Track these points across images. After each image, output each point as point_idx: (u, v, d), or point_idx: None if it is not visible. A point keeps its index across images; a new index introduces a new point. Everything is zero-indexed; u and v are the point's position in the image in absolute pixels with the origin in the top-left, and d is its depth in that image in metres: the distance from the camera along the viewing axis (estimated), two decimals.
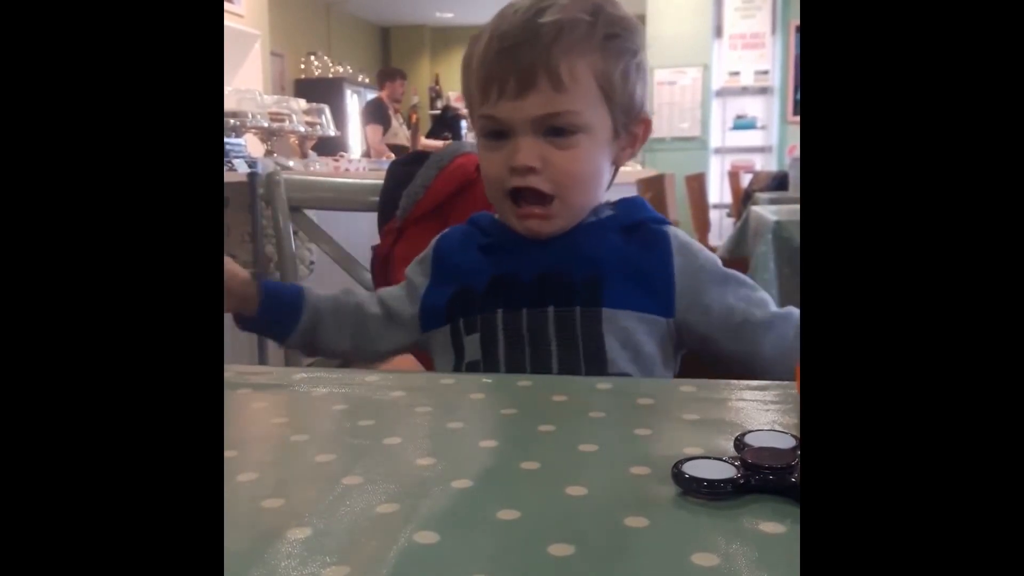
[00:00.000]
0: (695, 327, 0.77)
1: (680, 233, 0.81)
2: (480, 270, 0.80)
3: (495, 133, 0.77)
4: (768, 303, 0.79)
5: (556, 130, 0.75)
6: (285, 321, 0.82)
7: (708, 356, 0.80)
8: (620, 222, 0.80)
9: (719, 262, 0.80)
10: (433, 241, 0.86)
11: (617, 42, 0.76)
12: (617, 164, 0.83)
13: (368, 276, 1.15)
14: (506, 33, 0.75)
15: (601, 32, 0.75)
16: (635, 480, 0.42)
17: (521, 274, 0.78)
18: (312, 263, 2.28)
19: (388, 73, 5.99)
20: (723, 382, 0.66)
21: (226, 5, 5.53)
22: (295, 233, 1.20)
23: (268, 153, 3.34)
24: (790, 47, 6.74)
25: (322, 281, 2.24)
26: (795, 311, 0.78)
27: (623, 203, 0.83)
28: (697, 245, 0.81)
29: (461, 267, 0.82)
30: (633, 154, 0.84)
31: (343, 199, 1.24)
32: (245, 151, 2.63)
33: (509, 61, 0.74)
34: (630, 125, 0.80)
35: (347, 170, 3.56)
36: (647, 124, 0.82)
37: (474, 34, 0.81)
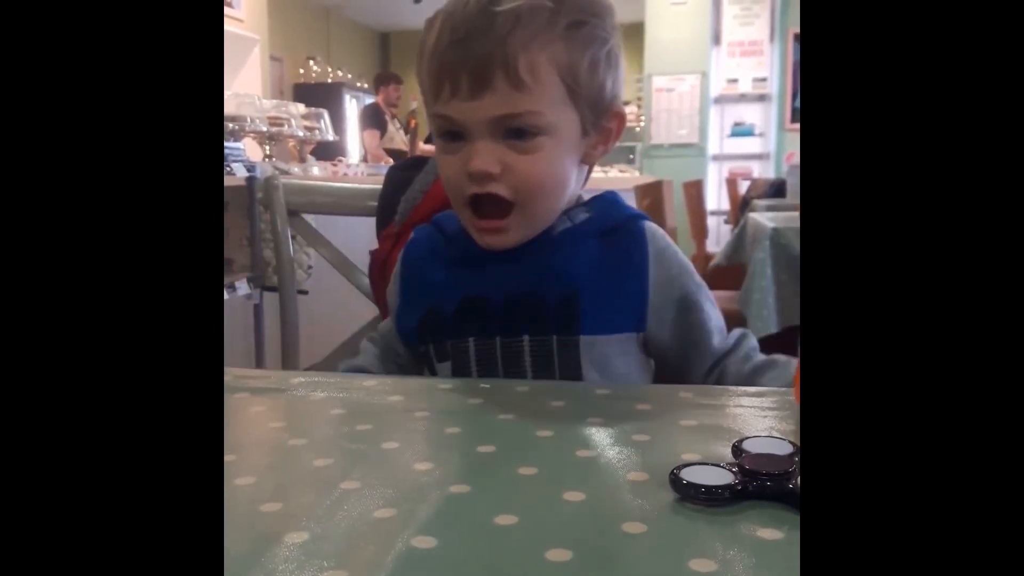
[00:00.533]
0: (656, 336, 0.75)
1: (658, 233, 0.76)
2: (447, 289, 0.75)
3: (450, 134, 0.70)
4: (729, 333, 0.78)
5: (516, 132, 0.68)
6: None
7: (654, 355, 0.78)
8: (596, 226, 0.75)
9: (693, 271, 0.77)
10: (400, 255, 0.82)
11: (584, 30, 0.69)
12: (588, 164, 0.76)
13: (366, 281, 1.15)
14: (459, 23, 0.67)
15: (564, 20, 0.68)
16: (633, 486, 0.42)
17: (491, 295, 0.73)
18: (310, 267, 2.28)
19: (383, 77, 5.99)
20: (720, 388, 0.66)
21: (226, 9, 5.53)
22: (293, 237, 1.20)
23: (267, 157, 3.34)
24: (788, 55, 6.77)
25: (320, 285, 2.25)
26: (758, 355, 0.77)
27: (597, 203, 0.77)
28: (672, 250, 0.76)
29: (428, 285, 0.77)
30: (607, 151, 0.77)
31: (341, 204, 1.24)
32: (244, 155, 2.63)
33: (462, 55, 0.66)
34: (601, 121, 0.73)
35: (345, 175, 3.57)
36: (621, 118, 0.75)
37: (429, 17, 0.72)
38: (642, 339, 0.75)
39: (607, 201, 0.78)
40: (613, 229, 0.75)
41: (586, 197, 0.79)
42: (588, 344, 0.71)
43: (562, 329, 0.71)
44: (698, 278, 0.77)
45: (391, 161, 4.64)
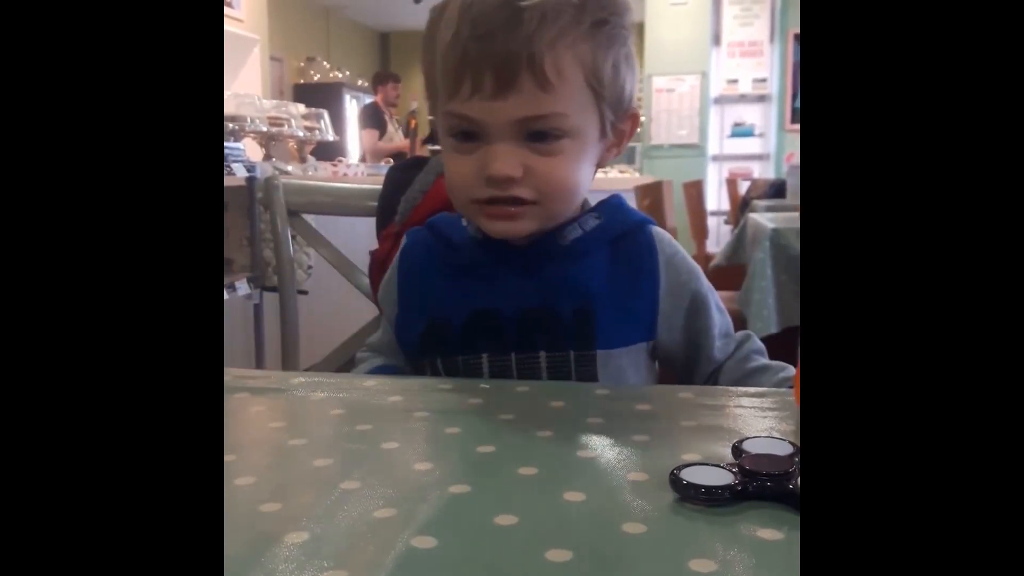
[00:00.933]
0: (665, 343, 0.75)
1: (665, 239, 0.75)
2: (453, 301, 0.73)
3: (465, 134, 0.67)
4: (737, 337, 0.77)
5: (539, 134, 0.66)
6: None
7: (661, 359, 0.77)
8: (607, 234, 0.73)
9: (701, 275, 0.76)
10: (396, 258, 0.80)
11: (606, 29, 0.67)
12: (602, 165, 0.74)
13: (366, 281, 1.15)
14: (480, 16, 0.64)
15: (589, 18, 0.65)
16: (633, 486, 0.42)
17: (503, 308, 0.71)
18: (310, 267, 2.28)
19: (381, 76, 5.99)
20: (720, 389, 0.66)
21: (226, 10, 5.53)
22: (293, 237, 1.20)
23: (267, 157, 3.34)
24: (788, 55, 6.77)
25: (320, 285, 2.24)
26: (763, 360, 0.76)
27: (606, 209, 0.75)
28: (681, 255, 0.76)
29: (429, 294, 0.75)
30: (620, 153, 0.75)
31: (341, 204, 1.24)
32: (244, 155, 2.63)
33: (485, 52, 0.63)
34: (618, 122, 0.71)
35: (345, 175, 3.57)
36: (635, 119, 0.74)
37: (436, 4, 0.69)
38: (651, 346, 0.75)
39: (614, 206, 0.77)
40: (622, 236, 0.74)
41: (591, 200, 0.78)
42: (604, 358, 0.70)
43: (578, 344, 0.70)
44: (707, 282, 0.76)
45: (392, 160, 4.65)
